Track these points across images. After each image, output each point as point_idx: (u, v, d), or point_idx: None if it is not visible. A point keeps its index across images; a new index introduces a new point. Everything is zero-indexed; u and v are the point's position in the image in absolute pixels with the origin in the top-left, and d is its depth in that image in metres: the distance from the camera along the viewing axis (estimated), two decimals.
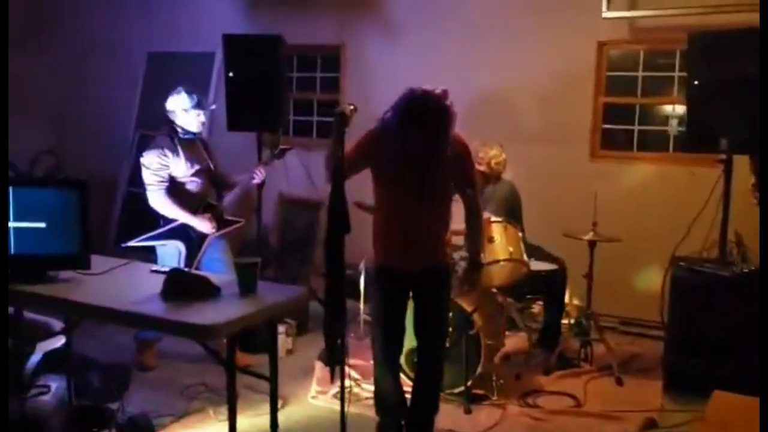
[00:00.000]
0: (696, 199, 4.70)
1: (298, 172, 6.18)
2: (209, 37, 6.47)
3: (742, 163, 4.31)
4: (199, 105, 4.16)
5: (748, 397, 2.67)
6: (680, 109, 5.60)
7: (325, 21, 6.39)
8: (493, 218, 4.15)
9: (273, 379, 2.82)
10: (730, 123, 4.10)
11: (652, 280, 5.10)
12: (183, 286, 2.70)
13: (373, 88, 5.80)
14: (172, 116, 4.16)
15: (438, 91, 2.93)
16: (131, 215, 6.98)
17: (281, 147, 4.49)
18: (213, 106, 4.23)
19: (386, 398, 3.34)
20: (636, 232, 4.91)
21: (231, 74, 5.14)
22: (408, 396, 3.38)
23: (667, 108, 5.61)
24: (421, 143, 2.88)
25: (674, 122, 5.64)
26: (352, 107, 2.81)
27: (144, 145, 4.51)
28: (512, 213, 4.54)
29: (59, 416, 3.37)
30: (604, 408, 3.93)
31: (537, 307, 5.09)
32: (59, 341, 3.41)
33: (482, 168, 4.53)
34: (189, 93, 4.15)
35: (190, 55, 7.01)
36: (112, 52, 7.32)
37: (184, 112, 4.13)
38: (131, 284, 2.90)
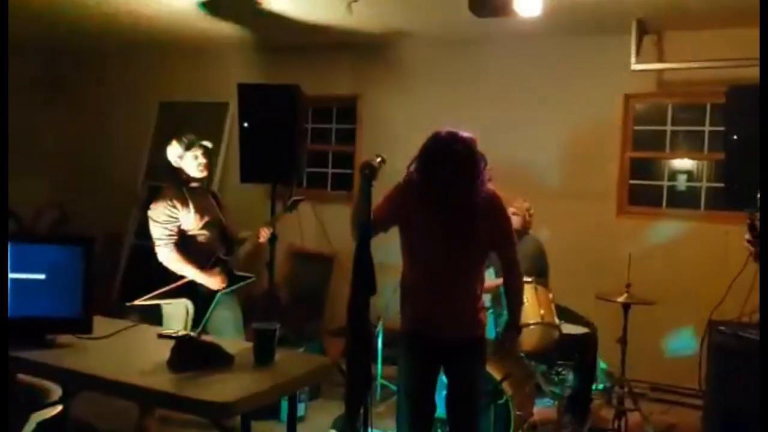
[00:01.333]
0: (731, 258, 4.44)
1: (311, 224, 5.97)
2: (222, 86, 6.37)
3: None
4: (190, 146, 3.98)
5: None
6: (688, 163, 5.48)
7: (341, 72, 6.27)
8: (524, 278, 3.89)
9: None
10: None
11: (686, 344, 4.84)
12: (193, 354, 2.45)
13: (390, 141, 5.63)
14: (174, 166, 4.00)
15: (465, 133, 2.75)
16: (137, 271, 6.74)
17: (294, 198, 4.29)
18: (207, 143, 4.06)
19: None
20: (667, 293, 4.62)
21: (246, 124, 5.01)
22: None
23: (675, 163, 5.47)
24: (449, 186, 2.68)
25: (683, 177, 5.48)
26: (380, 159, 2.62)
27: (152, 196, 4.34)
28: (539, 271, 4.30)
29: None
30: None
31: (565, 373, 4.79)
32: (55, 410, 3.13)
33: (517, 221, 4.28)
34: (179, 138, 3.99)
35: (203, 105, 6.89)
36: (123, 102, 7.23)
37: (180, 159, 3.97)
38: (137, 351, 2.65)
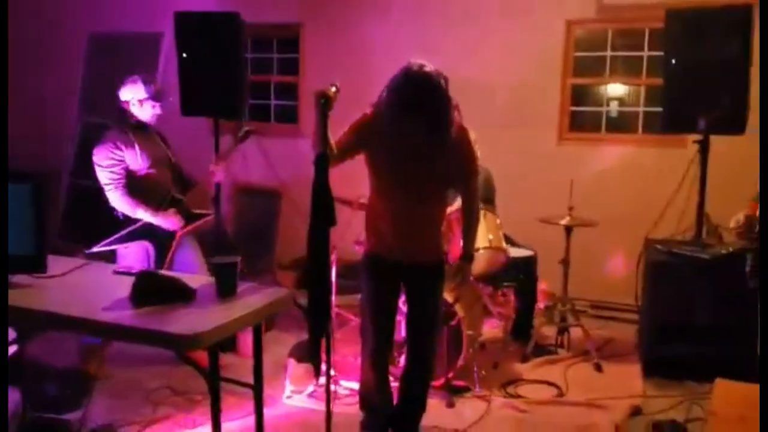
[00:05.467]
0: (666, 180, 4.64)
1: (256, 158, 5.90)
2: (157, 16, 6.10)
3: (715, 143, 4.24)
4: (156, 97, 3.87)
5: (749, 384, 2.61)
6: (620, 89, 5.63)
7: None
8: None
9: (257, 389, 2.60)
10: (709, 103, 4.04)
11: (624, 263, 5.07)
12: (154, 289, 2.44)
13: (337, 70, 5.54)
14: (125, 106, 3.87)
15: (434, 69, 2.69)
16: (79, 212, 6.54)
17: (245, 129, 4.17)
18: (171, 99, 3.97)
19: (373, 395, 3.18)
20: (606, 215, 4.77)
21: (184, 55, 4.86)
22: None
23: (603, 89, 5.59)
24: (422, 128, 2.67)
25: (614, 104, 5.63)
26: (334, 88, 2.60)
27: (91, 132, 4.20)
28: (487, 200, 4.40)
29: None
30: (587, 396, 3.85)
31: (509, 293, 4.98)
32: (11, 350, 3.10)
33: None
34: (146, 83, 3.88)
35: (136, 35, 6.61)
36: (51, 32, 6.84)
37: (138, 103, 3.86)
38: (95, 288, 2.62)
